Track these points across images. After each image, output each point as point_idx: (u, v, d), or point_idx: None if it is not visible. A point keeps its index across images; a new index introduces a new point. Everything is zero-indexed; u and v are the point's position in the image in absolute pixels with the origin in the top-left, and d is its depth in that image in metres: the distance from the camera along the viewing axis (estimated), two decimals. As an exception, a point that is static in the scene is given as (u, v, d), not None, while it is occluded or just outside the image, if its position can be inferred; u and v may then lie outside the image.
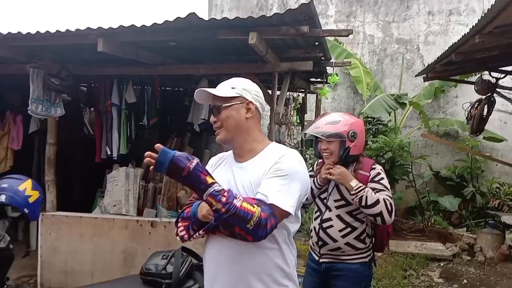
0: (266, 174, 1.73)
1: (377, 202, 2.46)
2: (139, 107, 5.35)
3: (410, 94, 8.65)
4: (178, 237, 1.86)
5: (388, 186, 2.60)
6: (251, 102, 1.83)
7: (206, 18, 3.81)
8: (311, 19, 3.79)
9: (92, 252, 4.70)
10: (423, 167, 8.48)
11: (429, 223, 7.43)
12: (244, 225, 1.57)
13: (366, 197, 2.46)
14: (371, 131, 7.32)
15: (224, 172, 1.87)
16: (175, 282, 2.51)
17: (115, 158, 5.20)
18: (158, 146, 1.57)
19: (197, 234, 1.79)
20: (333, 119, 2.63)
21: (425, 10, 8.98)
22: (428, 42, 8.97)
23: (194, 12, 3.56)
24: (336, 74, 6.01)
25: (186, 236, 1.82)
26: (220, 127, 1.83)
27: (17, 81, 5.65)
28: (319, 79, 6.72)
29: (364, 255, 2.62)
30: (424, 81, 7.42)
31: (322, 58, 5.34)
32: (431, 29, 8.95)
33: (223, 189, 1.58)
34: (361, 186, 2.51)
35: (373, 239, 2.69)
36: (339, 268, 2.58)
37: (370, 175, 2.61)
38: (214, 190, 1.55)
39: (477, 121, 5.78)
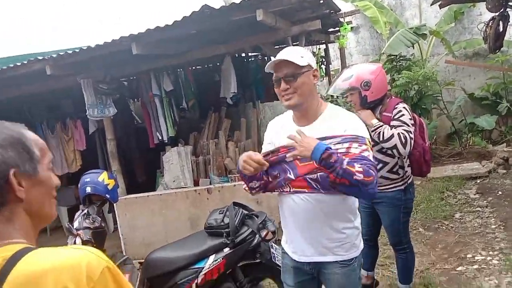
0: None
1: (391, 136, 2.80)
2: (177, 92, 5.92)
3: (433, 22, 8.58)
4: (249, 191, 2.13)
5: (408, 122, 2.87)
6: (316, 69, 2.02)
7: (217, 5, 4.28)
8: (309, -16, 4.15)
9: (163, 223, 5.44)
10: (457, 92, 8.48)
11: (467, 145, 7.61)
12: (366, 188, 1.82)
13: (383, 132, 2.83)
14: (395, 69, 7.49)
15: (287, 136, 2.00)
16: (233, 229, 3.07)
17: (166, 141, 5.88)
18: None
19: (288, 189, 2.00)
20: (346, 76, 3.00)
21: None
22: (442, -36, 8.72)
23: (206, 4, 4.05)
24: (347, 23, 6.26)
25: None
26: (293, 93, 1.96)
27: (66, 90, 6.43)
28: (337, 28, 6.98)
29: (399, 183, 3.00)
30: (440, 8, 7.39)
31: (332, 12, 5.65)
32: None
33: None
34: (380, 124, 2.89)
35: (409, 168, 3.05)
36: (380, 197, 2.99)
37: (392, 114, 2.91)
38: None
39: (494, 39, 5.84)
